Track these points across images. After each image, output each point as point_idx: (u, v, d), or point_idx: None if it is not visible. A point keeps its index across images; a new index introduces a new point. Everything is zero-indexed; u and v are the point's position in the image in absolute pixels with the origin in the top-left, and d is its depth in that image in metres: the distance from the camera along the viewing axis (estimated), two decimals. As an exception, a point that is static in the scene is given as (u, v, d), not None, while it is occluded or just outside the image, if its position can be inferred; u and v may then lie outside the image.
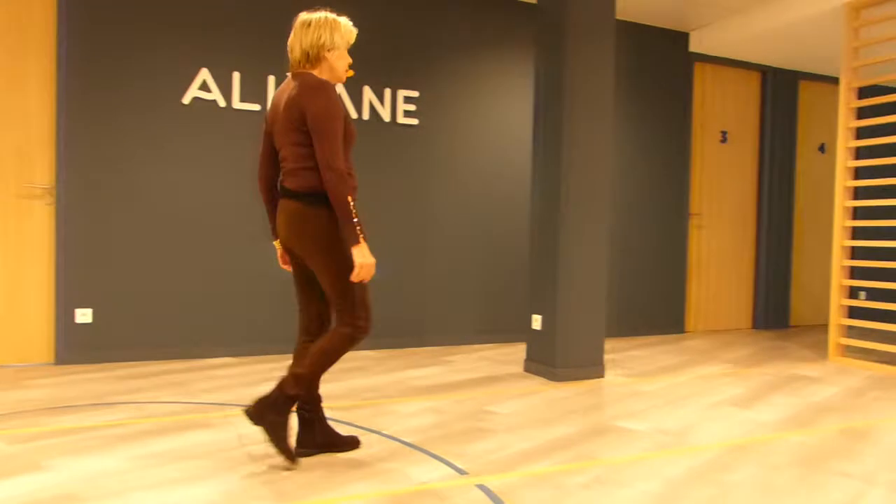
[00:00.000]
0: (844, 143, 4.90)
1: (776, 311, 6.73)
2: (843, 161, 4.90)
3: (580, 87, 4.10)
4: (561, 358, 4.09)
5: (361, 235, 2.39)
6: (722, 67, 6.46)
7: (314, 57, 2.50)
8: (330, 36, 2.50)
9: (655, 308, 6.14)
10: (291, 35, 2.53)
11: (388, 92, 5.03)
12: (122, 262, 4.33)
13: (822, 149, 7.07)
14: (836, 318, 4.92)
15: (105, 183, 4.28)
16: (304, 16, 2.52)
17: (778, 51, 6.14)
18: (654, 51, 6.06)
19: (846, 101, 4.91)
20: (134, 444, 2.72)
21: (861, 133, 6.71)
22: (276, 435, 2.45)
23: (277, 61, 4.68)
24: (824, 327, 6.88)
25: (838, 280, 4.91)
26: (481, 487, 2.35)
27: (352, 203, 2.38)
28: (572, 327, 4.11)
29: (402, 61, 5.09)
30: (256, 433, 2.90)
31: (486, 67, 5.38)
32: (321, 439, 2.66)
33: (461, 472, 2.50)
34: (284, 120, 2.46)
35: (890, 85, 7.23)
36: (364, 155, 4.98)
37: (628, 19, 5.90)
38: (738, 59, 6.43)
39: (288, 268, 2.72)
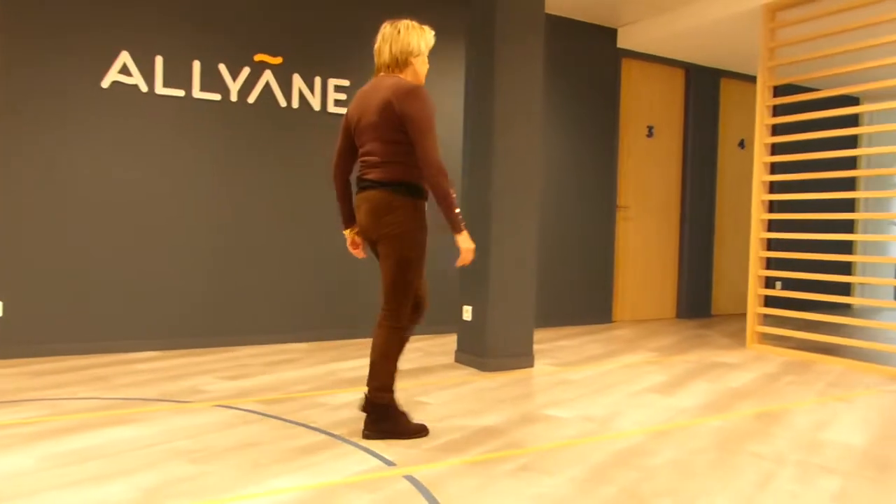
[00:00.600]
0: (761, 139, 5.10)
1: (699, 301, 6.98)
2: (760, 156, 5.11)
3: (510, 79, 4.14)
4: (491, 348, 4.13)
5: (462, 223, 2.65)
6: (648, 63, 6.63)
7: (402, 62, 2.72)
8: (417, 42, 2.73)
9: (584, 299, 6.27)
10: (380, 40, 2.74)
11: (318, 80, 4.95)
12: (36, 253, 4.13)
13: (741, 144, 7.35)
14: (754, 307, 5.13)
15: (17, 170, 4.07)
16: (392, 22, 2.74)
17: (700, 49, 6.34)
18: (583, 46, 6.16)
19: (763, 99, 5.11)
20: (49, 442, 2.60)
21: (777, 130, 7.01)
22: (405, 434, 2.75)
23: (204, 45, 4.54)
24: (743, 316, 7.17)
25: (755, 271, 5.12)
26: (409, 478, 2.35)
27: (453, 194, 2.60)
28: (502, 318, 4.16)
29: (334, 49, 5.02)
30: (182, 429, 2.82)
31: (418, 58, 5.35)
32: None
33: (389, 463, 2.49)
34: (377, 119, 2.64)
35: (803, 84, 7.57)
36: (294, 144, 4.89)
37: (558, 14, 5.98)
38: (664, 55, 6.61)
39: (358, 253, 2.92)
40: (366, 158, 2.71)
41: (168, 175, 4.48)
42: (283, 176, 4.87)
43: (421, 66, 2.76)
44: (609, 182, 6.37)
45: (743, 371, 4.33)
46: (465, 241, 2.67)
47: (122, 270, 4.36)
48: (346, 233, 2.92)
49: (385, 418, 2.74)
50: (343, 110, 5.05)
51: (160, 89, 4.41)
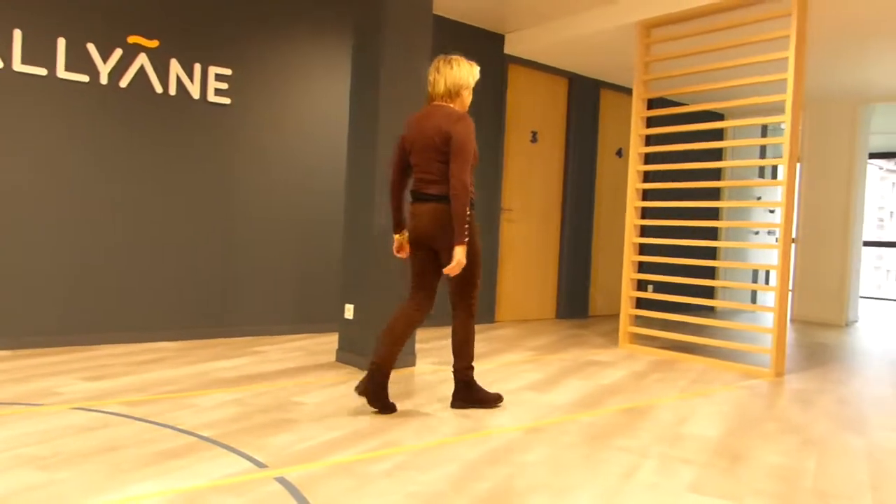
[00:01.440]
0: (636, 148, 5.36)
1: (577, 302, 7.24)
2: (635, 165, 5.36)
3: (396, 78, 4.12)
4: (372, 347, 4.09)
5: (466, 238, 3.03)
6: (534, 71, 6.81)
7: (455, 93, 3.16)
8: (467, 77, 3.17)
9: (467, 299, 6.34)
10: (434, 72, 3.16)
11: (197, 67, 4.74)
12: None
13: (619, 153, 7.70)
14: (626, 309, 5.38)
15: None
16: (446, 58, 3.16)
17: (582, 59, 6.59)
18: (471, 49, 6.24)
19: (638, 111, 5.37)
20: None
21: (651, 140, 7.39)
22: (486, 402, 3.33)
23: (70, 22, 4.23)
24: (618, 317, 7.51)
25: (628, 274, 5.37)
26: (280, 480, 2.28)
27: (468, 211, 3.02)
28: (384, 317, 4.13)
29: (215, 36, 4.82)
30: (33, 434, 2.60)
31: (303, 49, 5.24)
32: (468, 395, 3.33)
33: (260, 465, 2.41)
34: (435, 143, 3.07)
35: (675, 98, 8.03)
36: (170, 133, 4.65)
37: (447, 16, 6.03)
38: (549, 64, 6.81)
39: (402, 255, 3.34)
40: (423, 175, 3.15)
41: (28, 159, 4.14)
42: (157, 166, 4.63)
43: (467, 97, 3.21)
44: (494, 184, 6.48)
45: (614, 369, 4.52)
46: (459, 254, 3.02)
47: (-31, 262, 3.99)
48: (396, 237, 3.33)
49: (470, 390, 3.29)
50: (225, 100, 4.86)
51: (18, 66, 4.07)
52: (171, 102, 4.65)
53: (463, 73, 3.15)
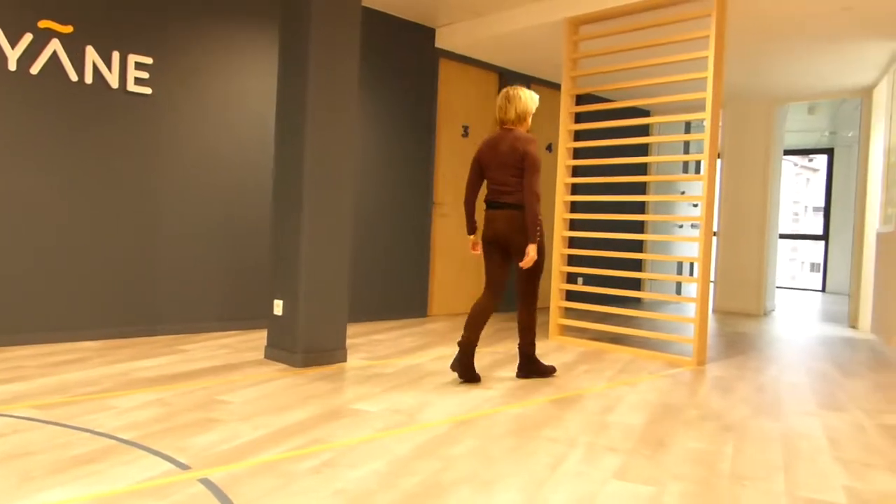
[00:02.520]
0: (564, 143, 5.44)
1: (510, 295, 7.31)
2: (564, 160, 5.44)
3: (324, 69, 4.06)
4: (302, 343, 4.03)
5: (538, 238, 3.73)
6: (465, 65, 6.83)
7: (522, 118, 3.85)
8: (532, 106, 3.87)
9: (400, 293, 6.33)
10: (504, 100, 3.84)
11: (116, 55, 4.55)
12: None
13: (549, 148, 7.81)
14: (557, 301, 5.47)
15: None
16: (514, 89, 3.85)
17: (513, 55, 6.64)
18: (402, 43, 6.21)
19: (566, 106, 5.46)
20: None
21: (579, 136, 7.52)
22: (545, 373, 4.08)
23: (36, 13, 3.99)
24: (549, 309, 7.62)
25: (558, 267, 5.45)
26: (203, 481, 2.21)
27: (539, 215, 3.71)
28: (314, 312, 4.07)
29: (135, 23, 4.63)
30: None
31: (229, 37, 5.10)
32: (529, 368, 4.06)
33: (183, 466, 2.34)
34: (508, 160, 3.76)
35: (602, 95, 8.19)
36: (86, 124, 4.45)
37: (377, 8, 5.98)
38: (479, 59, 6.85)
39: (476, 252, 3.98)
40: (498, 187, 3.81)
41: (-73, 151, 3.89)
42: (73, 157, 4.42)
43: (530, 122, 3.98)
44: (425, 179, 6.48)
45: (544, 360, 4.58)
46: (532, 251, 3.69)
47: None
48: (471, 238, 3.97)
49: (532, 363, 4.03)
50: (145, 90, 4.68)
51: (-82, 51, 3.82)
52: (87, 91, 4.45)
53: (529, 103, 3.84)
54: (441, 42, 6.43)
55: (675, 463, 2.62)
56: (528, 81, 7.34)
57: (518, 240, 3.77)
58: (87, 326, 4.52)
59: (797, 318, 7.90)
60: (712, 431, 3.09)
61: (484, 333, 5.66)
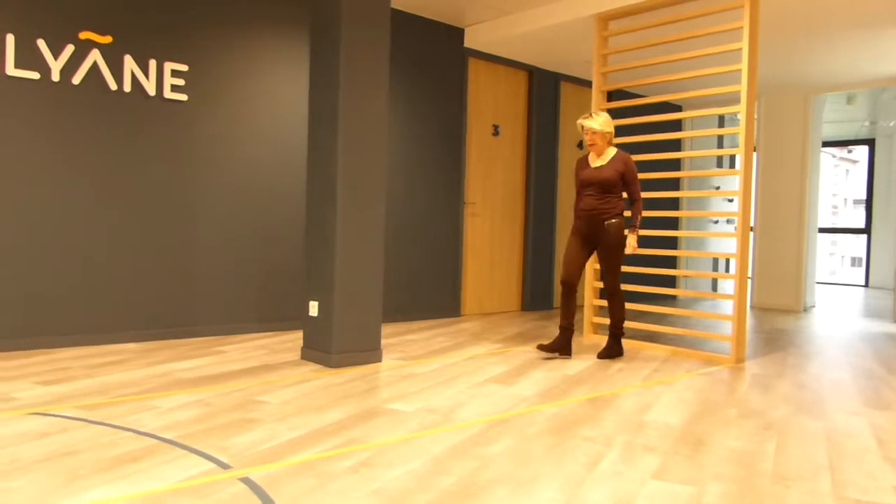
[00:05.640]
0: (597, 140, 5.39)
1: (541, 294, 7.29)
2: (596, 157, 5.39)
3: (355, 72, 4.09)
4: (337, 344, 4.07)
5: (638, 228, 4.47)
6: (494, 64, 6.82)
7: (609, 139, 4.45)
8: (612, 127, 4.46)
9: (433, 293, 6.35)
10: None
11: (153, 63, 4.64)
12: None
13: (580, 145, 7.76)
14: (590, 300, 5.43)
15: None
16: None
17: (541, 52, 6.62)
18: (431, 43, 6.23)
19: (597, 103, 5.42)
20: None
21: (612, 133, 7.44)
22: (617, 353, 4.67)
23: (18, 17, 4.10)
24: (581, 308, 7.57)
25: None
26: (244, 480, 2.25)
27: (642, 212, 4.54)
28: (349, 313, 4.11)
29: (171, 31, 4.72)
30: None
31: (262, 44, 5.17)
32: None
33: (224, 466, 2.38)
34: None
35: (633, 90, 8.11)
36: (126, 131, 4.55)
37: (406, 10, 6.00)
38: (509, 57, 6.83)
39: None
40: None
41: (-26, 160, 4.02)
42: (113, 164, 4.53)
43: (612, 139, 4.54)
44: (456, 178, 6.49)
45: (578, 360, 4.56)
46: (633, 240, 4.42)
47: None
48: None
49: (618, 344, 4.65)
50: (181, 96, 4.76)
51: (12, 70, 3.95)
52: (126, 99, 4.55)
53: (610, 127, 4.44)
54: (470, 41, 6.43)
55: (715, 462, 2.59)
56: (558, 78, 7.31)
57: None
58: (128, 328, 4.62)
59: (838, 314, 7.73)
60: (753, 430, 3.04)
61: (515, 332, 5.65)
